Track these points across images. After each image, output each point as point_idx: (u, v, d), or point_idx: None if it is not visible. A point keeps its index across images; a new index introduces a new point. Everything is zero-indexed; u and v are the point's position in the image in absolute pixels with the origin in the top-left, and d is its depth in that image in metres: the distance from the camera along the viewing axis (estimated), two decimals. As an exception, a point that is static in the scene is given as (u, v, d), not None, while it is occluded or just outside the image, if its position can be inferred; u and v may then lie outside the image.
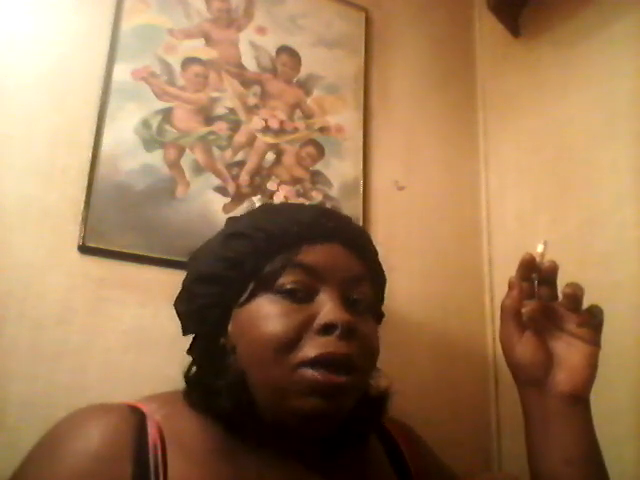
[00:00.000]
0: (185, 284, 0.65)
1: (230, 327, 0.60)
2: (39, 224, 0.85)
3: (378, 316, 0.68)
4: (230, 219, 0.68)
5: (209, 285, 0.61)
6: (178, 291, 0.66)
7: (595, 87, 1.03)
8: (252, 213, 0.68)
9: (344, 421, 0.59)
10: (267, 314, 0.57)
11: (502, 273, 1.16)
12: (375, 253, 0.68)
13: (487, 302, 1.18)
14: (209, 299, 0.61)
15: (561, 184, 1.07)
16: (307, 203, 1.03)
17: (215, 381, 0.58)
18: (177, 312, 0.66)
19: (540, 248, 0.58)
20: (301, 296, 0.58)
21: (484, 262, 1.21)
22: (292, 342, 0.55)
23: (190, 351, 0.65)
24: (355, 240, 0.64)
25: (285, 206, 0.70)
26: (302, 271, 0.59)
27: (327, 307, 0.57)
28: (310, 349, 0.54)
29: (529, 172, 1.15)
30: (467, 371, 1.12)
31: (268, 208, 0.69)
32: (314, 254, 0.60)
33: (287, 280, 0.58)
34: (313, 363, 0.54)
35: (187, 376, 0.62)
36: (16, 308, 0.81)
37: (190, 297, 0.63)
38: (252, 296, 0.59)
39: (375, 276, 0.66)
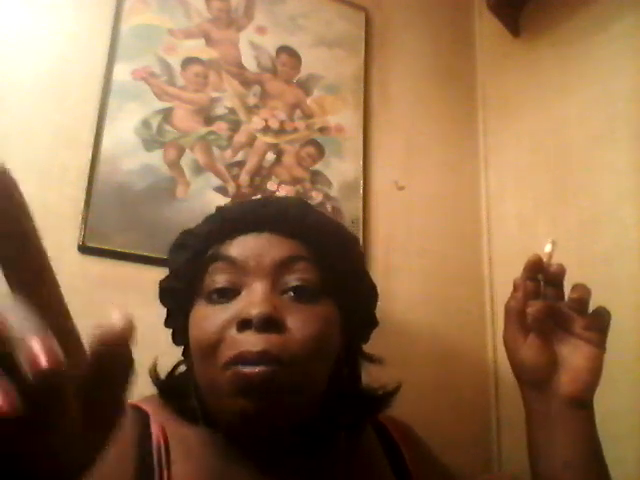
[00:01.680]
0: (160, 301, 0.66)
1: None
2: (39, 224, 0.85)
3: (349, 295, 0.62)
4: (181, 231, 0.66)
5: (167, 299, 0.63)
6: None
7: (595, 87, 1.03)
8: (203, 219, 0.65)
9: (320, 416, 0.58)
10: (197, 319, 0.57)
11: (502, 273, 1.16)
12: (323, 233, 0.61)
13: (487, 303, 1.18)
14: (170, 312, 0.63)
15: (561, 184, 1.07)
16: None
17: (177, 385, 0.59)
18: None
19: (548, 248, 0.57)
20: (230, 294, 0.56)
21: (484, 262, 1.21)
22: (215, 344, 0.53)
23: None
24: (288, 226, 0.59)
25: (229, 205, 0.65)
26: (223, 265, 0.57)
27: (247, 301, 0.54)
28: (229, 349, 0.53)
29: (529, 172, 1.15)
30: (467, 372, 1.12)
31: (215, 211, 0.65)
32: (234, 246, 0.57)
33: (212, 280, 0.57)
34: (234, 362, 0.52)
35: (154, 379, 0.62)
36: (16, 308, 0.81)
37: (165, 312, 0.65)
38: (193, 302, 0.58)
39: (324, 256, 0.59)
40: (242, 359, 0.52)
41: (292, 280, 0.56)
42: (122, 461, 0.51)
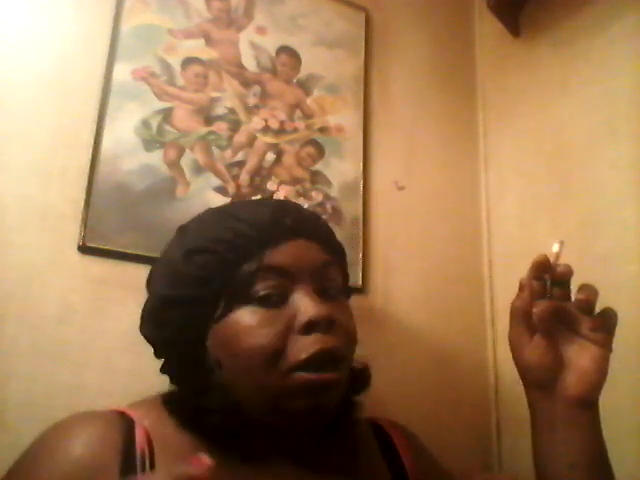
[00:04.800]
0: (150, 310, 0.63)
1: (209, 343, 0.59)
2: (39, 224, 0.85)
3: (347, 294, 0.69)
4: (180, 229, 0.65)
5: (179, 308, 0.59)
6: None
7: (595, 87, 1.03)
8: (204, 222, 0.64)
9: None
10: (247, 326, 0.56)
11: (502, 273, 1.16)
12: (332, 234, 0.68)
13: (487, 302, 1.18)
14: (182, 322, 0.59)
15: (561, 184, 1.07)
16: (306, 201, 1.03)
17: (203, 399, 0.57)
18: (146, 338, 0.64)
19: (556, 248, 0.57)
20: (276, 300, 0.57)
21: (484, 262, 1.20)
22: (279, 349, 0.55)
23: (164, 370, 0.64)
24: (315, 230, 0.64)
25: (237, 208, 0.65)
26: (272, 275, 0.58)
27: (304, 305, 0.57)
28: (299, 352, 0.55)
29: (529, 172, 1.15)
30: (467, 372, 1.12)
31: (220, 213, 0.64)
32: (280, 255, 0.59)
33: (259, 287, 0.57)
34: (306, 365, 0.55)
35: (167, 396, 0.61)
36: (16, 308, 0.81)
37: (161, 323, 0.61)
38: (227, 309, 0.58)
39: (339, 259, 0.66)
40: (317, 358, 0.55)
41: (325, 281, 0.61)
42: (103, 470, 0.51)
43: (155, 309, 0.62)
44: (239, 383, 0.57)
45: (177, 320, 0.60)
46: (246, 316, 0.57)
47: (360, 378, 0.66)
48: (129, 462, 0.53)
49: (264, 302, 0.57)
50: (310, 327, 0.56)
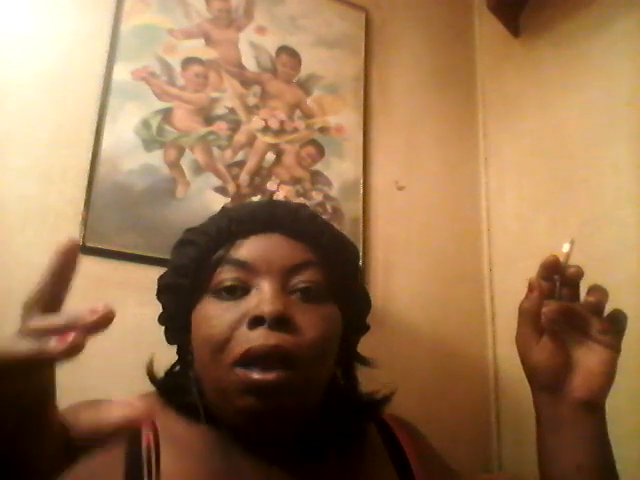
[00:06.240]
0: (157, 298, 0.66)
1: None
2: (39, 224, 0.85)
3: (349, 300, 0.64)
4: (186, 229, 0.67)
5: (168, 295, 0.63)
6: None
7: (595, 87, 1.03)
8: (208, 219, 0.65)
9: (320, 419, 0.59)
10: (206, 316, 0.57)
11: (502, 273, 1.16)
12: (331, 237, 0.64)
13: (487, 302, 1.18)
14: (171, 309, 0.63)
15: (561, 184, 1.07)
16: (306, 201, 1.02)
17: (178, 383, 0.60)
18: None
19: (566, 247, 0.56)
20: (239, 292, 0.57)
21: (484, 262, 1.20)
22: (226, 341, 0.54)
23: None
24: (299, 228, 0.61)
25: (233, 207, 0.67)
26: (234, 267, 0.58)
27: (258, 299, 0.55)
28: (239, 346, 0.54)
29: (529, 172, 1.15)
30: (467, 371, 1.12)
31: (219, 211, 0.66)
32: (246, 248, 0.59)
33: (222, 278, 0.58)
34: (244, 359, 0.53)
35: (152, 377, 0.63)
36: (16, 308, 0.80)
37: (162, 309, 0.65)
38: (198, 299, 0.59)
39: (330, 260, 0.62)
40: (254, 353, 0.53)
41: (300, 282, 0.58)
42: (111, 461, 0.51)
43: (157, 296, 0.65)
44: (200, 373, 0.58)
45: (167, 307, 0.63)
46: (208, 306, 0.58)
47: (370, 407, 0.64)
48: (134, 454, 0.53)
49: (227, 294, 0.57)
50: (256, 321, 0.54)
